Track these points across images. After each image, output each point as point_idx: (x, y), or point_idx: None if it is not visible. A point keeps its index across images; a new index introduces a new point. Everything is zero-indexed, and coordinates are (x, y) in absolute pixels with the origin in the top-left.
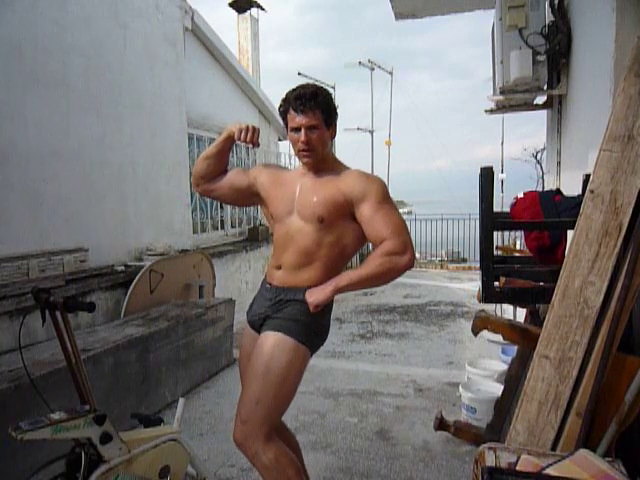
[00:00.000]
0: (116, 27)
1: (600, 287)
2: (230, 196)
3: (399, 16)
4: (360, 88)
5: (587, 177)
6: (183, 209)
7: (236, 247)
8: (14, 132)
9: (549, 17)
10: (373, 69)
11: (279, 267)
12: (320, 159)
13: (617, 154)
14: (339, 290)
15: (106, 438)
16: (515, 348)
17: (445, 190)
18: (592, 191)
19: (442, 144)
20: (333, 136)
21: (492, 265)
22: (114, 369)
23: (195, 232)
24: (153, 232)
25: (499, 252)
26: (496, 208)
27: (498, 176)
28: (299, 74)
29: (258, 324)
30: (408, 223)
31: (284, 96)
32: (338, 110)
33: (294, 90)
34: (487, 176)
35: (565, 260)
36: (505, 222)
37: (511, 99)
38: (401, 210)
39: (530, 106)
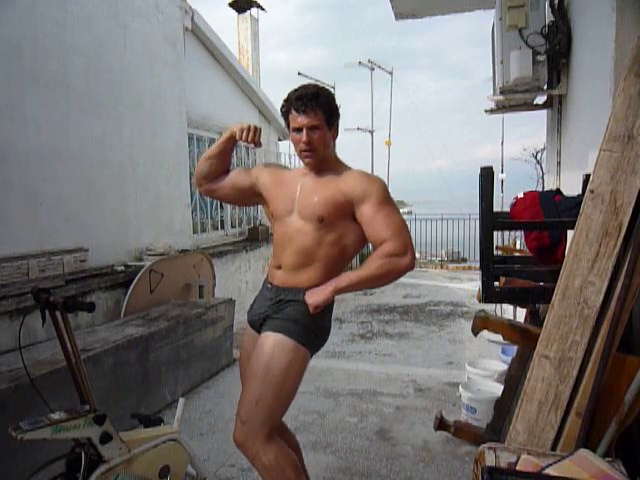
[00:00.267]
0: (116, 27)
1: (600, 287)
2: (232, 196)
3: (399, 16)
4: (360, 88)
5: (587, 177)
6: (183, 209)
7: (236, 247)
8: (14, 132)
9: (549, 17)
10: (373, 69)
11: (279, 267)
12: (322, 159)
13: (617, 154)
14: (339, 291)
15: (106, 438)
16: (515, 348)
17: (445, 190)
18: (592, 191)
19: (442, 144)
20: (335, 136)
21: (492, 265)
22: (114, 369)
23: (195, 232)
24: (153, 232)
25: (499, 252)
26: (496, 208)
27: (498, 176)
28: (299, 74)
29: (258, 324)
30: (408, 223)
31: (286, 96)
32: (339, 110)
33: (296, 90)
34: (487, 176)
35: (565, 260)
36: (505, 222)
37: (511, 99)
38: (401, 210)
39: (530, 106)
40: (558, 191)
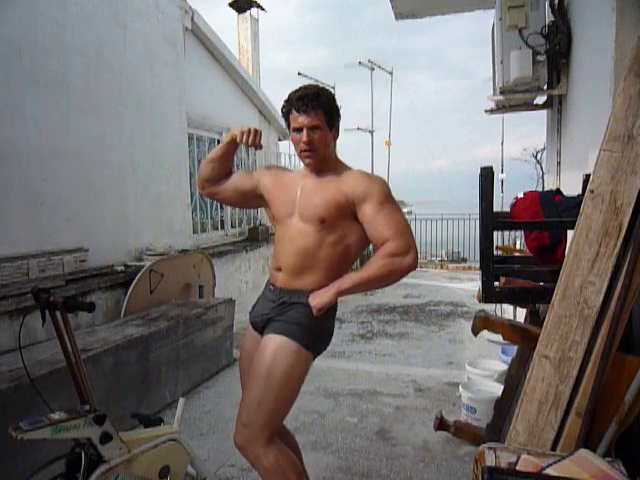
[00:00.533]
0: (116, 27)
1: (600, 287)
2: (234, 199)
3: (399, 16)
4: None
5: (587, 177)
6: (183, 209)
7: (236, 247)
8: (14, 132)
9: (549, 17)
10: (373, 69)
11: (279, 269)
12: (322, 160)
13: (617, 154)
14: (342, 293)
15: (106, 438)
16: (515, 348)
17: (445, 190)
18: (592, 191)
19: (442, 144)
20: (336, 137)
21: (492, 265)
22: (114, 369)
23: (195, 232)
24: (153, 232)
25: (499, 252)
26: (496, 208)
27: (498, 176)
28: (299, 74)
29: (260, 325)
30: None
31: (286, 97)
32: (340, 111)
33: (297, 91)
34: (487, 176)
35: (565, 260)
36: (505, 222)
37: (511, 99)
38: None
39: (530, 106)
40: (558, 191)
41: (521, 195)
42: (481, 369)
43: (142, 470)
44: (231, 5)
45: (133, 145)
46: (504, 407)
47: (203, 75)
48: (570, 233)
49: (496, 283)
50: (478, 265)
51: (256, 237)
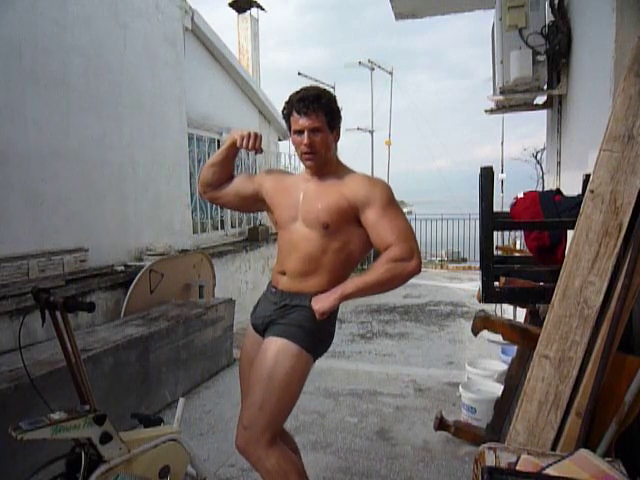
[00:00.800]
0: (116, 27)
1: (600, 287)
2: (236, 203)
3: (399, 16)
4: (360, 88)
5: (587, 177)
6: (183, 209)
7: (236, 247)
8: (14, 132)
9: (549, 17)
10: (373, 69)
11: (283, 273)
12: (323, 162)
13: (617, 154)
14: (345, 297)
15: (106, 438)
16: (515, 348)
17: (445, 190)
18: (592, 191)
19: (442, 144)
20: (337, 139)
21: (492, 265)
22: (114, 369)
23: (195, 232)
24: (153, 232)
25: (499, 252)
26: (496, 208)
27: (498, 176)
28: (299, 74)
29: (262, 328)
30: None
31: (287, 98)
32: (341, 112)
33: (297, 92)
34: (487, 176)
35: (565, 260)
36: (505, 222)
37: (511, 99)
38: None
39: (530, 106)
40: (558, 191)
41: (521, 195)
42: (481, 369)
43: (142, 470)
44: (231, 5)
45: (133, 145)
46: (504, 407)
47: (203, 75)
48: (570, 233)
49: (496, 283)
50: (478, 265)
51: (256, 237)
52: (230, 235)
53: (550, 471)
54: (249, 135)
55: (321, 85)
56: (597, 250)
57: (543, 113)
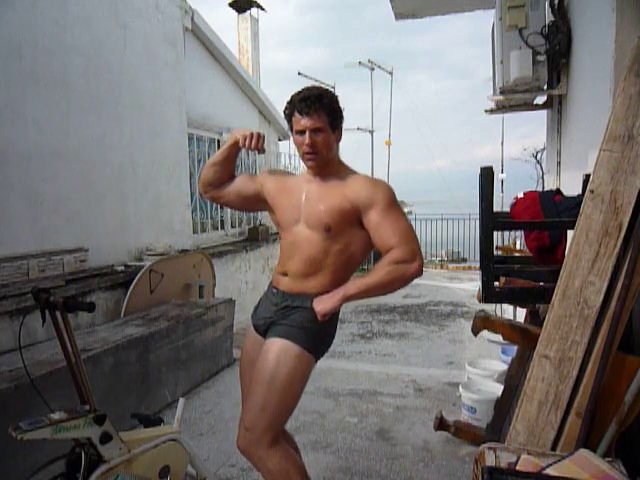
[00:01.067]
0: (116, 27)
1: (600, 287)
2: (237, 203)
3: (399, 16)
4: (360, 88)
5: (587, 177)
6: (183, 209)
7: (236, 247)
8: (14, 132)
9: (549, 17)
10: (373, 69)
11: (285, 274)
12: (325, 163)
13: (617, 154)
14: (347, 299)
15: (106, 438)
16: (515, 348)
17: (445, 190)
18: (592, 191)
19: (442, 144)
20: (339, 139)
21: (492, 265)
22: (114, 369)
23: (195, 232)
24: (153, 232)
25: (499, 252)
26: (496, 208)
27: (498, 176)
28: (299, 74)
29: (263, 329)
30: None
31: (289, 98)
32: (343, 112)
33: (299, 92)
34: (487, 176)
35: (565, 260)
36: (505, 222)
37: (511, 99)
38: None
39: (530, 106)
40: (558, 191)
41: (521, 195)
42: (481, 369)
43: (142, 470)
44: (231, 5)
45: (133, 145)
46: (504, 407)
47: (203, 75)
48: (570, 233)
49: (496, 283)
50: (478, 265)
51: (256, 237)
52: (230, 235)
53: (550, 471)
54: (251, 135)
55: (321, 85)
56: (597, 250)
57: (543, 113)
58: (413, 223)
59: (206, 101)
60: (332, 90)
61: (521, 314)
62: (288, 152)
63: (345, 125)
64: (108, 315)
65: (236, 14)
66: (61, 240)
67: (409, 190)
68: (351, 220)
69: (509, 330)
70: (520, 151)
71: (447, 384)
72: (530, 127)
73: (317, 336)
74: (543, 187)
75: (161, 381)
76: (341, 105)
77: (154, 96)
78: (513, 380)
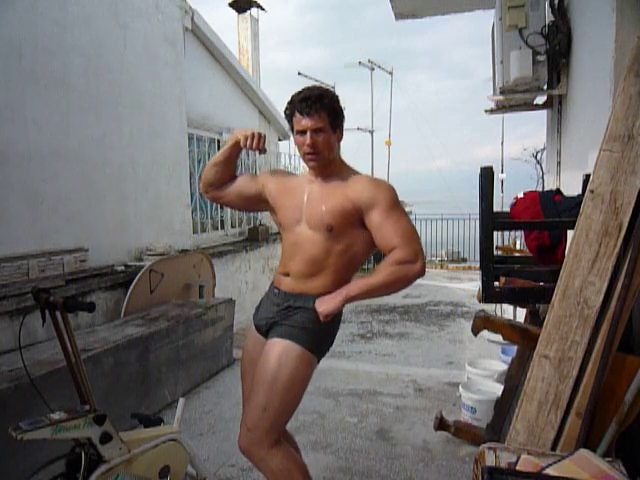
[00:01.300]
0: (116, 27)
1: (600, 287)
2: (238, 203)
3: (399, 16)
4: (360, 88)
5: (587, 177)
6: (183, 209)
7: (236, 247)
8: (14, 132)
9: (549, 17)
10: (373, 69)
11: (287, 274)
12: (326, 163)
13: (617, 154)
14: (350, 299)
15: (106, 438)
16: (515, 348)
17: (445, 190)
18: (592, 191)
19: (442, 144)
20: (340, 139)
21: (492, 265)
22: (114, 369)
23: (195, 232)
24: (153, 232)
25: (499, 252)
26: (496, 208)
27: (498, 176)
28: (299, 74)
29: (265, 329)
30: None
31: (290, 99)
32: (344, 112)
33: (300, 92)
34: (487, 176)
35: (565, 260)
36: (505, 222)
37: (511, 99)
38: None
39: (530, 106)
40: (558, 191)
41: (521, 195)
42: (481, 369)
43: (142, 470)
44: (231, 5)
45: (133, 145)
46: (504, 407)
47: (203, 75)
48: (570, 233)
49: (496, 283)
50: (478, 265)
51: (256, 237)
52: (230, 235)
53: (550, 471)
54: (253, 135)
55: (322, 85)
56: (597, 250)
57: (543, 113)
58: (413, 223)
59: (206, 101)
60: (332, 90)
61: (521, 314)
62: (288, 152)
63: (345, 125)
64: (108, 315)
65: (236, 14)
66: (61, 240)
67: (409, 190)
68: (353, 220)
69: (509, 330)
70: (520, 151)
71: (447, 384)
72: (530, 127)
73: (319, 336)
74: (543, 187)
75: (161, 381)
76: (342, 105)
77: (154, 96)
78: (513, 380)
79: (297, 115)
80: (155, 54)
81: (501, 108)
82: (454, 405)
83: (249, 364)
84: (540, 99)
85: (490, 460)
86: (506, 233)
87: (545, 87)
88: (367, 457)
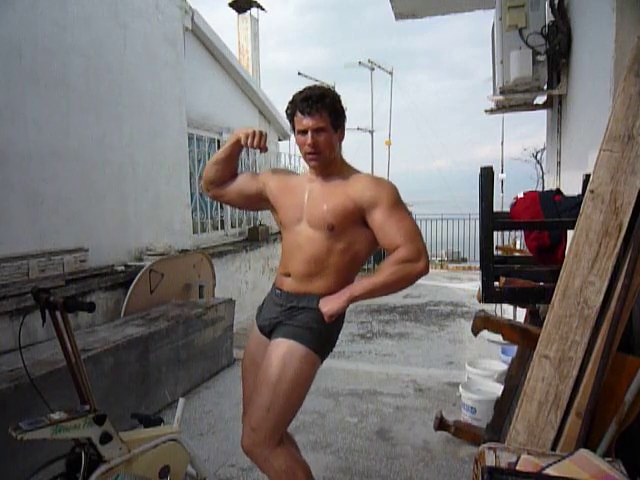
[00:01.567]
0: (116, 27)
1: (600, 287)
2: (239, 201)
3: (399, 16)
4: (360, 88)
5: (587, 177)
6: (183, 209)
7: (236, 247)
8: (14, 132)
9: (549, 17)
10: (373, 69)
11: (288, 275)
12: (327, 162)
13: (617, 154)
14: (354, 299)
15: (106, 438)
16: (515, 348)
17: (445, 190)
18: (592, 191)
19: (442, 144)
20: (341, 139)
21: (492, 265)
22: (114, 369)
23: (195, 232)
24: (153, 232)
25: (499, 252)
26: (496, 208)
27: (498, 176)
28: (299, 74)
29: (268, 329)
30: None
31: (291, 98)
32: (345, 112)
33: (301, 92)
34: (487, 176)
35: (565, 260)
36: (505, 222)
37: (511, 99)
38: None
39: (530, 106)
40: (558, 191)
41: (521, 195)
42: (481, 369)
43: (142, 470)
44: (231, 5)
45: (133, 145)
46: (504, 407)
47: (203, 75)
48: (570, 233)
49: (496, 283)
50: (478, 265)
51: (256, 237)
52: (230, 235)
53: (550, 471)
54: (254, 133)
55: (321, 85)
56: (597, 250)
57: (543, 113)
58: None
59: (206, 101)
60: (334, 90)
61: (521, 314)
62: (288, 152)
63: (345, 125)
64: (108, 315)
65: (236, 14)
66: (61, 240)
67: (409, 190)
68: (354, 219)
69: (509, 330)
70: (520, 151)
71: (447, 384)
72: (530, 127)
73: (323, 336)
74: (543, 187)
75: (161, 381)
76: (343, 104)
77: (154, 96)
78: (513, 380)
79: (298, 114)
80: (155, 54)
81: (501, 108)
82: (454, 405)
83: (251, 364)
84: (540, 99)
85: (490, 460)
86: (506, 233)
87: (545, 87)
88: (367, 457)
